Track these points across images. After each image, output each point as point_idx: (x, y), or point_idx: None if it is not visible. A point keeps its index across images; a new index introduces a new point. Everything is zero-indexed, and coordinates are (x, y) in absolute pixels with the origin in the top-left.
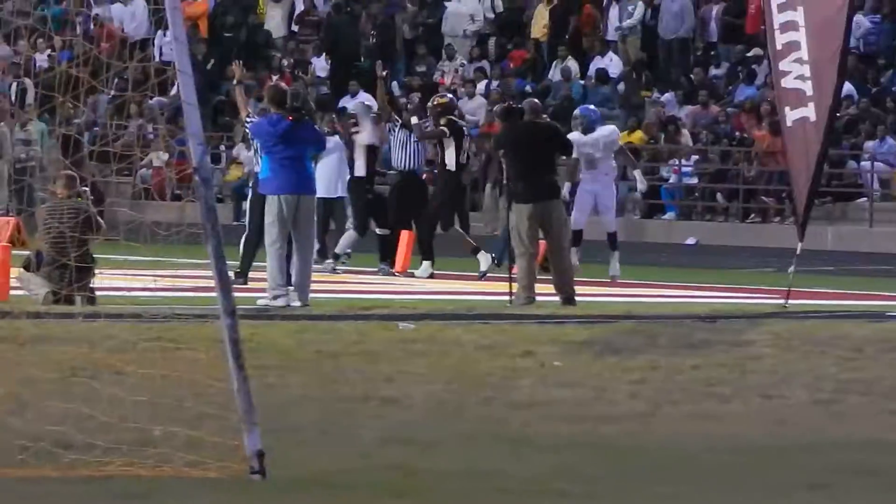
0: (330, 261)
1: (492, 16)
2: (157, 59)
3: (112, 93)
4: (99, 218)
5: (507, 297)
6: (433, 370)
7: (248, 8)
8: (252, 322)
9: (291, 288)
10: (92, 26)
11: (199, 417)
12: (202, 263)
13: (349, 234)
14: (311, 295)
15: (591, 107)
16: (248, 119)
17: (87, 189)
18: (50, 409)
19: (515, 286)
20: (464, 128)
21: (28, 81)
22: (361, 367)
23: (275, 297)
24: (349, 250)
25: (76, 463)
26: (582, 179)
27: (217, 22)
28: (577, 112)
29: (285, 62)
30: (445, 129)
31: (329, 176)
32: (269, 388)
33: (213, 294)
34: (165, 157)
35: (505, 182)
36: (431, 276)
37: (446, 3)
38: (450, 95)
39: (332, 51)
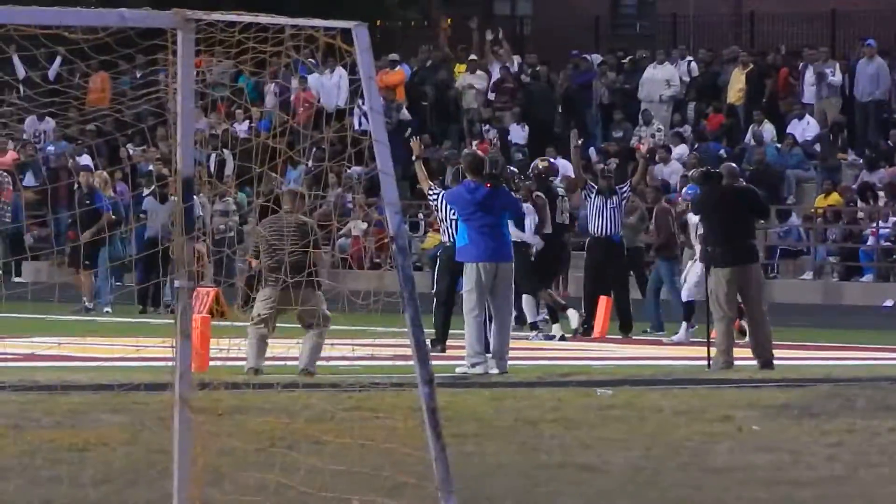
0: (533, 333)
1: (688, 80)
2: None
3: (310, 163)
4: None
5: (704, 362)
6: (631, 436)
7: (444, 76)
8: (450, 390)
9: (489, 355)
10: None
11: (397, 486)
12: (400, 332)
13: (528, 300)
14: (509, 362)
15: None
16: (430, 192)
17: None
18: (248, 479)
19: (713, 351)
20: (558, 189)
21: (227, 153)
22: (559, 434)
23: (473, 365)
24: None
25: None
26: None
27: (414, 90)
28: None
29: (482, 129)
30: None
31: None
32: (467, 457)
33: (411, 363)
34: (364, 226)
35: (703, 246)
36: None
37: (642, 70)
38: (551, 159)
39: (528, 117)
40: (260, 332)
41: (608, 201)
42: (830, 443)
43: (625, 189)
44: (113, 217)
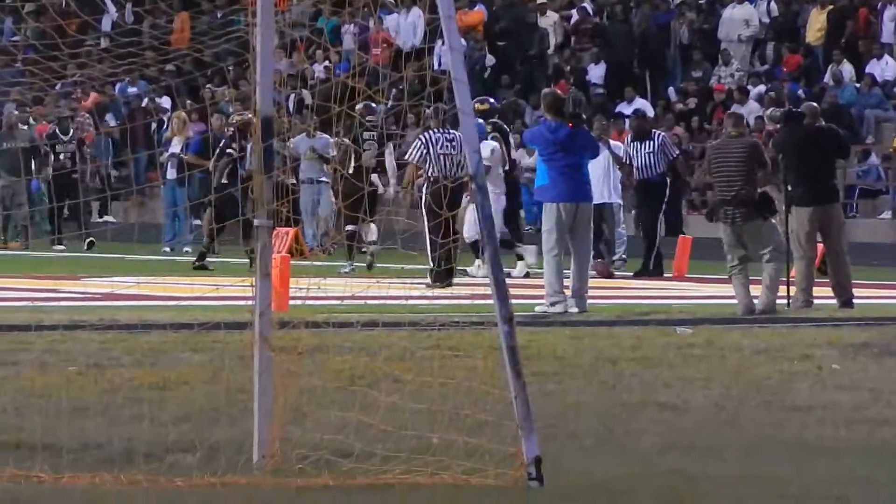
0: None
1: (767, 20)
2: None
3: (389, 103)
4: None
5: (784, 301)
6: (711, 375)
7: (522, 16)
8: (529, 329)
9: (569, 294)
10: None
11: (477, 425)
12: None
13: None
14: (588, 301)
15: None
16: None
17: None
18: (329, 418)
19: (793, 289)
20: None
21: (306, 93)
22: (639, 373)
23: (552, 304)
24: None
25: (355, 471)
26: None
27: (492, 29)
28: None
29: (561, 69)
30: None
31: (598, 182)
32: (547, 395)
33: (491, 301)
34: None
35: (785, 186)
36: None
37: (721, 9)
38: (491, 100)
39: (606, 57)
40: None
41: (642, 146)
42: None
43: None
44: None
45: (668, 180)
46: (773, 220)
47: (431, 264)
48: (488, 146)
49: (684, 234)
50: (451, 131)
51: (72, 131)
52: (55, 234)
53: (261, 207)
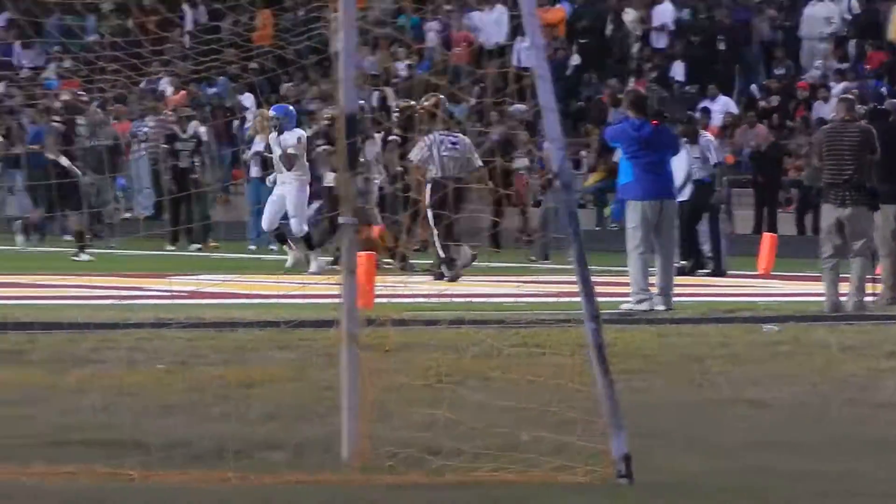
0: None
1: (849, 17)
2: (515, 64)
3: (472, 100)
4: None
5: (871, 298)
6: (798, 372)
7: (604, 13)
8: (616, 326)
9: (655, 291)
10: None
11: (565, 422)
12: (565, 268)
13: None
14: (674, 298)
15: (289, 107)
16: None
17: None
18: (416, 415)
19: (879, 287)
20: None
21: (388, 90)
22: (726, 370)
23: (638, 302)
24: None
25: (444, 469)
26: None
27: (575, 27)
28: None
29: (643, 66)
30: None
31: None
32: (635, 392)
33: (577, 299)
34: (526, 162)
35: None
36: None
37: (803, 7)
38: (441, 96)
39: (688, 55)
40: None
41: (692, 149)
42: None
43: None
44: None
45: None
46: (874, 214)
47: (442, 255)
48: (295, 134)
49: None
50: (456, 134)
51: (191, 130)
52: (174, 233)
53: (345, 205)
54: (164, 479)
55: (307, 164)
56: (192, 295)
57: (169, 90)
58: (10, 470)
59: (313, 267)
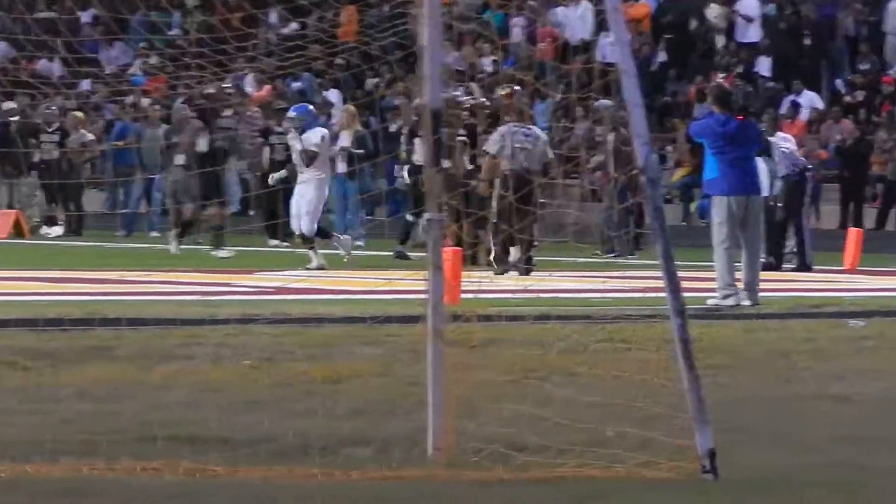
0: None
1: None
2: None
3: (558, 96)
4: None
5: None
6: (884, 367)
7: (689, 8)
8: (702, 322)
9: (741, 287)
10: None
11: (650, 417)
12: (651, 264)
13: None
14: (760, 294)
15: (310, 107)
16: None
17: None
18: (502, 411)
19: None
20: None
21: (474, 86)
22: (812, 365)
23: (725, 297)
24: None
25: (529, 464)
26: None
27: (659, 22)
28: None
29: (728, 62)
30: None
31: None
32: (720, 388)
33: (663, 294)
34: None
35: None
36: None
37: (888, 2)
38: (516, 87)
39: (773, 49)
40: None
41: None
42: None
43: None
44: (361, 151)
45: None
46: None
47: (493, 251)
48: (318, 133)
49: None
50: (529, 127)
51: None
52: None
53: (431, 201)
54: (248, 474)
55: (328, 162)
56: (279, 291)
57: (253, 86)
58: (96, 465)
59: (315, 263)
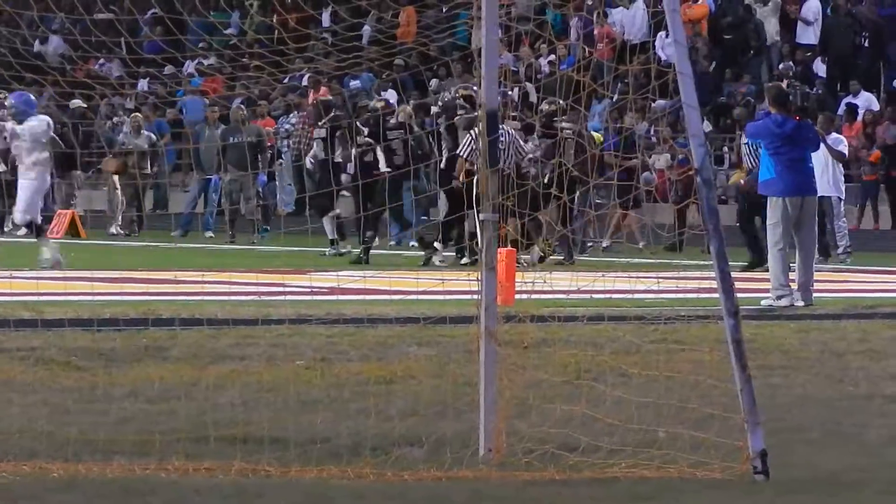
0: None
1: None
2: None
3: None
4: None
5: None
6: None
7: (747, 9)
8: (755, 322)
9: (795, 287)
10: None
11: (703, 418)
12: (705, 265)
13: None
14: (815, 294)
15: (29, 95)
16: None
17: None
18: (554, 411)
19: None
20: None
21: (530, 86)
22: (866, 366)
23: (778, 297)
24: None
25: (581, 465)
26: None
27: (717, 23)
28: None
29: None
30: None
31: (819, 175)
32: (773, 388)
33: (717, 295)
34: (668, 159)
35: None
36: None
37: None
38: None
39: (828, 50)
40: None
41: None
42: None
43: None
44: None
45: None
46: None
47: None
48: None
49: None
50: (501, 126)
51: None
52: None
53: (486, 201)
54: (301, 475)
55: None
56: (333, 291)
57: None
58: (150, 465)
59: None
